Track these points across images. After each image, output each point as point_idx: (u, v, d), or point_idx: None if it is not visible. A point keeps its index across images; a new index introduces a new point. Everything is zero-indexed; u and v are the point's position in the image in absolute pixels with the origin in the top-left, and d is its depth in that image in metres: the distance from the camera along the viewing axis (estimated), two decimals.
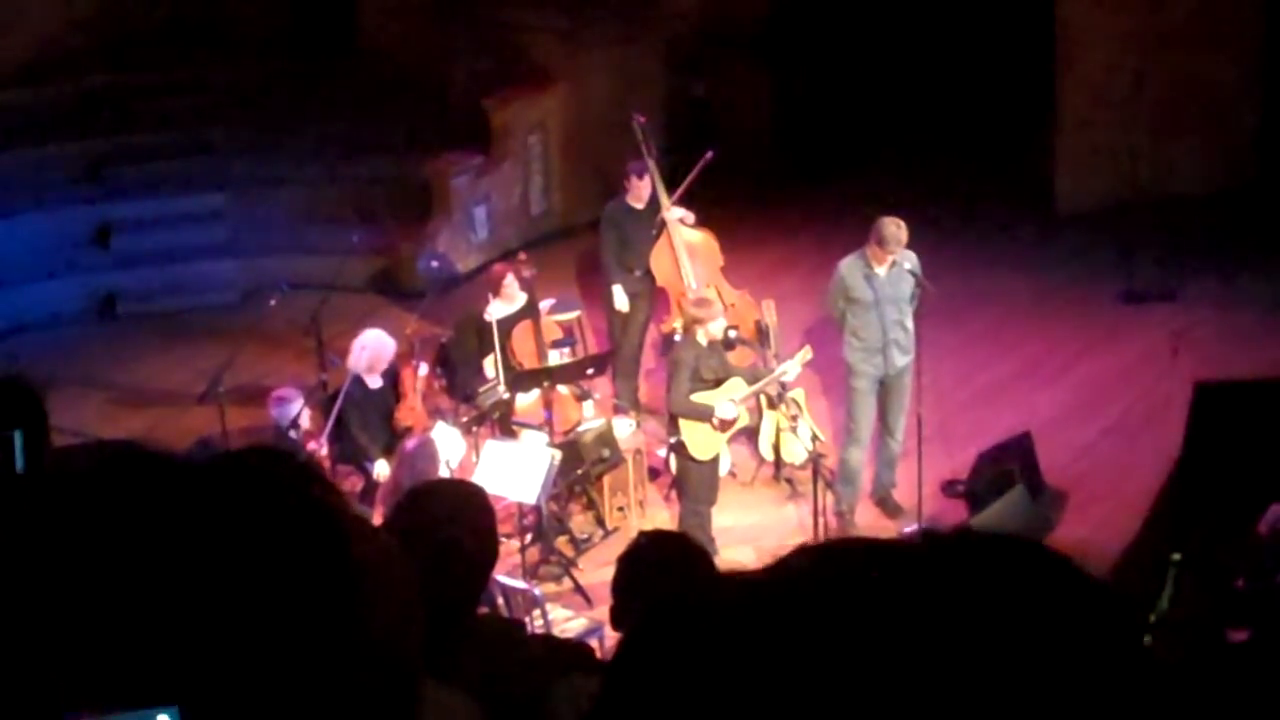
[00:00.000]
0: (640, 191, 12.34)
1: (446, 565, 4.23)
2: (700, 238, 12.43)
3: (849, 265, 10.79)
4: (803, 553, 1.23)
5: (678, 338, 11.24)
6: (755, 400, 11.27)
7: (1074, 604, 1.16)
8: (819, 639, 1.13)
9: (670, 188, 12.46)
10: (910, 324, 10.84)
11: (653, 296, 12.54)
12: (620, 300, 12.46)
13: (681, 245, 12.29)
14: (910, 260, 10.76)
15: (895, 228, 10.59)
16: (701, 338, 10.57)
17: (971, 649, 1.11)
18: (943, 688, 1.11)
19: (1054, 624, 1.14)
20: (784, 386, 11.03)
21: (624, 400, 12.53)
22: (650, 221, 12.33)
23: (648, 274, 12.39)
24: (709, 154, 12.59)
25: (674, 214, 12.30)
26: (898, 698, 1.11)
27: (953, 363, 12.54)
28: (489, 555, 4.45)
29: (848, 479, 11.09)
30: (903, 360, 10.85)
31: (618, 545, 5.56)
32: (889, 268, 10.68)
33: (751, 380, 10.81)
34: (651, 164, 12.51)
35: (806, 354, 10.95)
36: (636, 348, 12.63)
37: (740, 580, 1.21)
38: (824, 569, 1.19)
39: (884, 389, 10.96)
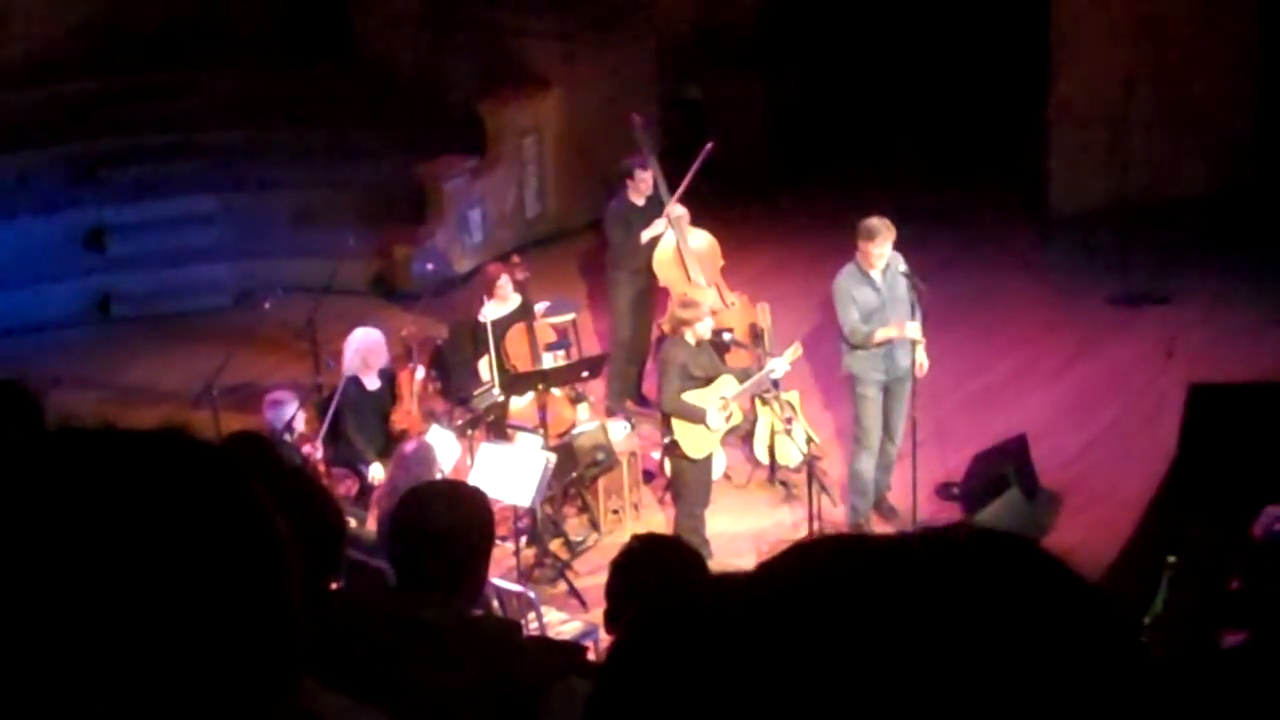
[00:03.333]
0: (643, 185, 12.32)
1: (443, 566, 4.23)
2: (702, 237, 12.43)
3: (848, 277, 10.68)
4: (794, 552, 1.23)
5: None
6: (750, 402, 11.28)
7: (1066, 603, 1.17)
8: (812, 642, 1.13)
9: (669, 189, 12.44)
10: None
11: (655, 295, 12.52)
12: (625, 294, 12.46)
13: (686, 245, 12.28)
14: (901, 262, 10.75)
15: (879, 222, 10.58)
16: (690, 337, 10.57)
17: (959, 651, 1.12)
18: (936, 690, 1.11)
19: (1045, 624, 1.14)
20: (775, 384, 11.03)
21: (615, 400, 12.53)
22: (653, 219, 12.30)
23: (649, 273, 12.38)
24: (709, 145, 12.57)
25: (676, 210, 12.28)
26: (891, 702, 1.11)
27: (947, 365, 12.53)
28: (486, 556, 4.45)
29: (860, 490, 10.99)
30: (906, 361, 10.80)
31: (612, 548, 5.56)
32: (884, 271, 10.65)
33: (742, 379, 10.81)
34: (653, 161, 12.51)
35: (796, 350, 10.95)
36: (643, 350, 12.61)
37: (732, 582, 1.22)
38: (815, 569, 1.20)
39: (886, 394, 10.91)
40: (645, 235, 12.23)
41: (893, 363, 10.75)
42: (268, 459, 5.58)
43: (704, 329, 10.65)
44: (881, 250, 10.53)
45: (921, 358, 10.81)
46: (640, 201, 12.36)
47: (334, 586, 4.62)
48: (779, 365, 10.87)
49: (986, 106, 16.33)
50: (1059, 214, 15.43)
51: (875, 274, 10.63)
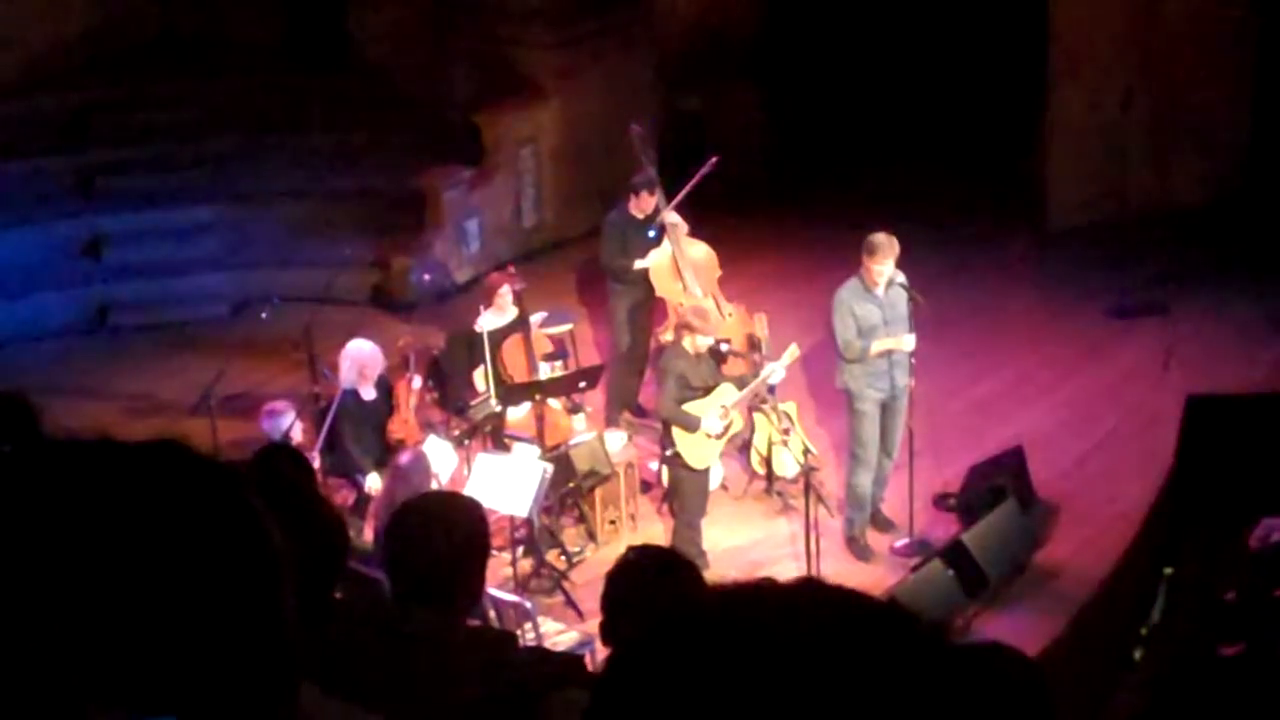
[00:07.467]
0: (645, 205, 12.32)
1: (440, 578, 4.23)
2: (699, 248, 12.42)
3: (851, 293, 10.61)
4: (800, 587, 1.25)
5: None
6: (748, 411, 11.27)
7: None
8: (807, 657, 1.13)
9: (666, 199, 12.43)
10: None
11: (654, 306, 12.51)
12: (624, 304, 12.46)
13: (681, 254, 12.27)
14: (899, 275, 10.72)
15: (882, 238, 10.56)
16: (689, 346, 10.57)
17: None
18: None
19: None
20: (772, 390, 11.01)
21: (613, 411, 12.51)
22: (649, 232, 12.28)
23: (647, 283, 12.37)
24: (713, 160, 12.57)
25: (671, 218, 12.27)
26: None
27: (945, 376, 12.54)
28: (482, 567, 4.45)
29: (858, 504, 10.98)
30: (904, 380, 10.78)
31: (609, 559, 5.55)
32: (887, 287, 10.61)
33: (741, 386, 10.81)
34: (652, 170, 12.51)
35: (794, 353, 10.94)
36: (642, 361, 12.60)
37: (728, 597, 1.22)
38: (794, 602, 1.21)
39: (884, 410, 10.88)
40: (640, 265, 12.23)
41: (893, 381, 10.73)
42: (296, 471, 5.62)
43: (704, 342, 10.66)
44: (884, 267, 10.49)
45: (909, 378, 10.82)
46: (640, 216, 12.36)
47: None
48: (777, 369, 10.86)
49: (985, 117, 16.34)
50: (1057, 225, 15.44)
51: (879, 290, 10.59)
